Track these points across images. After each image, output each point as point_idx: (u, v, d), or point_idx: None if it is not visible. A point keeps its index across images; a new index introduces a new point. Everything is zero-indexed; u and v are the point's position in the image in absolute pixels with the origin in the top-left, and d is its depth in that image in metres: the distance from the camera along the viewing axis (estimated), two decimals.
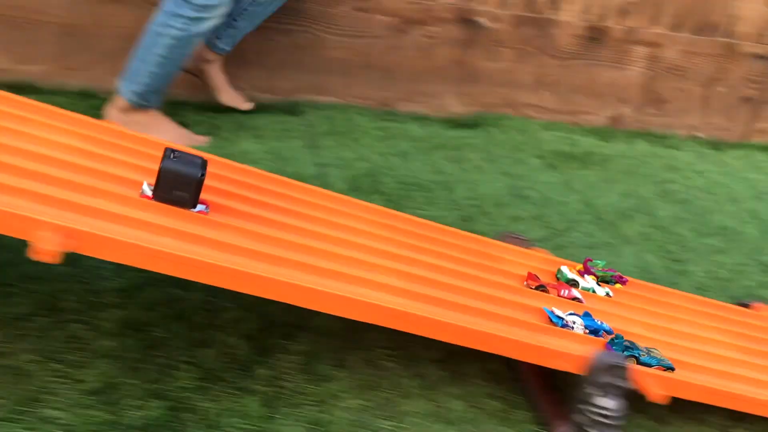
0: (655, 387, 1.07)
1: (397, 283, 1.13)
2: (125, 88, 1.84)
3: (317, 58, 2.23)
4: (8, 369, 1.07)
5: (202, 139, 1.92)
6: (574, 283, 1.32)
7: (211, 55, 2.00)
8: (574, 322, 1.15)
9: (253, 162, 1.62)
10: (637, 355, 1.12)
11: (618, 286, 1.41)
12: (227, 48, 2.01)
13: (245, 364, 1.16)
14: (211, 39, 1.97)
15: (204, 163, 1.02)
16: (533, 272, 1.33)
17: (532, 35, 2.34)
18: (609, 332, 1.18)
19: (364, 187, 1.78)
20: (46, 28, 2.03)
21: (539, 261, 1.42)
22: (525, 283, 1.30)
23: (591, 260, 1.42)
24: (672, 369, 1.15)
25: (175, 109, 2.06)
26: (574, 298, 1.28)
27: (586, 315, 1.19)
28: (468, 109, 2.37)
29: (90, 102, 2.02)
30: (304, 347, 1.22)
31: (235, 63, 2.14)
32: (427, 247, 1.29)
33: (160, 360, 1.13)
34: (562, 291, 1.27)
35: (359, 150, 1.99)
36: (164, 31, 1.77)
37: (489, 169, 2.02)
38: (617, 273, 1.42)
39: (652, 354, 1.15)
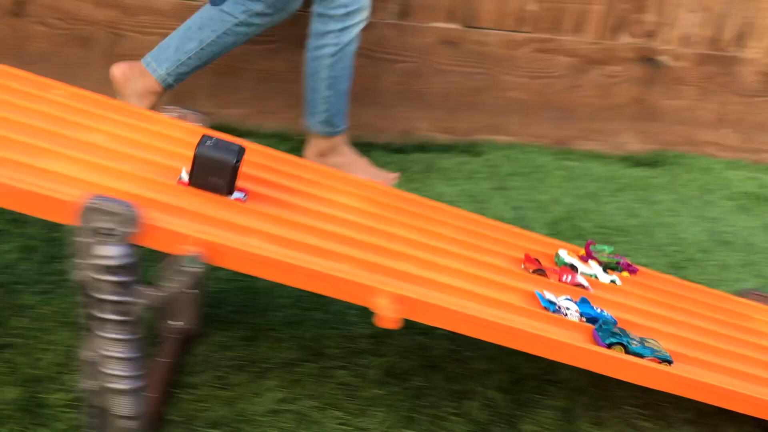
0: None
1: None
2: (311, 122, 1.92)
3: (496, 98, 2.27)
4: (296, 415, 1.14)
5: (393, 176, 1.99)
6: (572, 268, 1.21)
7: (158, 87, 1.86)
8: (568, 308, 1.04)
9: (450, 204, 1.67)
10: (625, 343, 1.01)
11: (625, 274, 1.29)
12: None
13: (509, 418, 1.19)
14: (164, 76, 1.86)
15: (240, 150, 0.98)
16: (531, 255, 1.21)
17: (715, 73, 2.30)
18: (610, 320, 1.07)
19: (564, 231, 1.79)
20: (246, 75, 2.16)
21: (537, 243, 1.30)
22: (522, 266, 1.18)
23: (594, 243, 1.30)
24: (669, 362, 1.04)
25: (364, 151, 2.14)
26: (578, 285, 1.15)
27: (583, 301, 1.08)
28: (646, 147, 2.35)
29: (287, 144, 2.13)
30: (558, 402, 1.24)
31: (419, 105, 2.21)
32: (670, 303, 1.28)
33: (430, 411, 1.18)
34: (564, 276, 1.16)
35: (548, 191, 2.00)
36: (320, 53, 1.83)
37: (683, 212, 1.99)
38: (625, 260, 1.30)
39: (647, 344, 1.04)
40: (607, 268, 1.26)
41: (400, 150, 2.17)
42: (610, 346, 0.99)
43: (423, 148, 2.20)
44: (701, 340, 1.16)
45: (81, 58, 2.09)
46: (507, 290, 1.07)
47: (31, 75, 1.19)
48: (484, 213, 1.84)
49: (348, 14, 1.81)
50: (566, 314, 1.04)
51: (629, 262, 1.30)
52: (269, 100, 2.20)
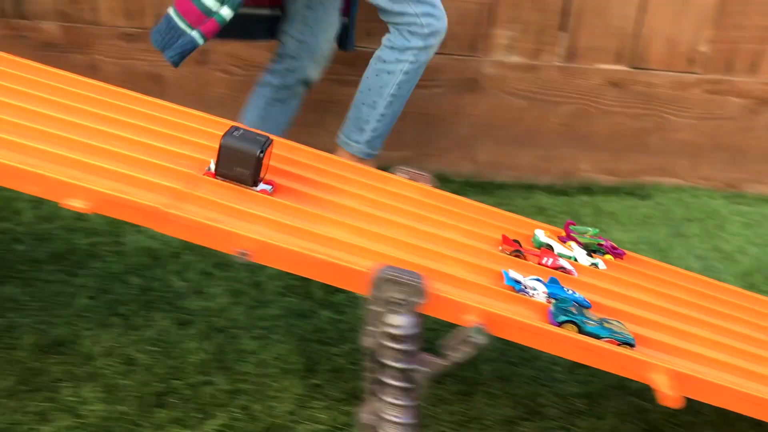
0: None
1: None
2: (353, 140, 1.82)
3: (663, 140, 2.21)
4: None
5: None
6: (548, 248, 1.14)
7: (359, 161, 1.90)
8: (534, 289, 0.98)
9: (633, 251, 1.63)
10: (578, 322, 0.93)
11: (608, 257, 1.20)
12: None
13: None
14: None
15: (266, 142, 0.98)
16: (508, 235, 1.13)
17: None
18: (582, 304, 0.99)
19: (758, 284, 1.71)
20: (409, 119, 2.19)
21: (515, 224, 1.23)
22: (500, 248, 1.10)
23: (573, 224, 1.22)
24: (630, 344, 0.94)
25: (526, 192, 2.13)
26: (560, 268, 1.08)
27: (553, 282, 1.02)
28: None
29: (449, 186, 2.15)
30: None
31: (583, 147, 2.18)
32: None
33: None
34: (544, 259, 1.08)
35: (730, 240, 1.93)
36: (396, 68, 1.76)
37: None
38: (609, 242, 1.21)
39: (608, 326, 0.95)
40: (588, 250, 1.19)
41: (564, 192, 2.15)
42: (561, 324, 0.92)
43: (587, 190, 2.17)
44: (679, 326, 1.05)
45: None
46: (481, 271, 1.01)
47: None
48: (668, 263, 1.80)
49: (433, 33, 1.73)
50: (532, 295, 0.98)
51: (614, 244, 1.21)
52: (431, 143, 2.23)
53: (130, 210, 0.87)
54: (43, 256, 1.59)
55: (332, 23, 1.83)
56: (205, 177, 0.97)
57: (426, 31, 1.72)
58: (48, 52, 2.14)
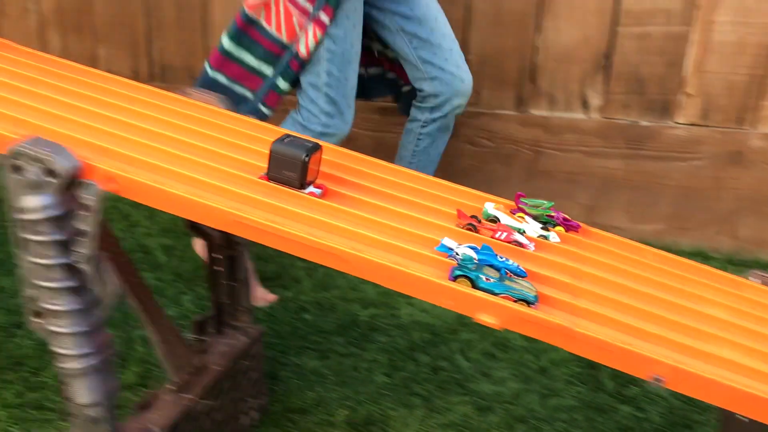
0: None
1: None
2: None
3: None
4: None
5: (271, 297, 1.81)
6: (494, 220, 1.09)
7: None
8: (465, 254, 0.95)
9: None
10: (472, 277, 0.90)
11: (560, 229, 1.11)
12: None
13: None
14: None
15: (312, 147, 1.01)
16: (462, 210, 1.09)
17: None
18: (516, 272, 0.96)
19: None
20: (665, 191, 2.11)
21: (470, 198, 1.15)
22: (457, 223, 1.06)
23: (524, 196, 1.16)
24: (528, 302, 0.90)
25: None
26: (514, 242, 1.03)
27: (485, 249, 0.97)
28: None
29: (711, 263, 2.03)
30: None
31: None
32: None
33: None
34: (498, 233, 1.04)
35: None
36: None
37: None
38: (561, 214, 1.13)
39: (509, 283, 0.91)
40: (538, 221, 1.12)
41: None
42: (455, 278, 0.91)
43: None
44: (628, 301, 0.97)
45: (503, 173, 2.20)
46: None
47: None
48: None
49: (433, 95, 1.81)
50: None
51: (566, 216, 1.15)
52: (688, 216, 2.12)
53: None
54: (330, 326, 1.66)
55: (447, 54, 1.81)
56: (260, 180, 1.03)
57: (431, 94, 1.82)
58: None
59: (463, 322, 1.66)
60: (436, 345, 1.59)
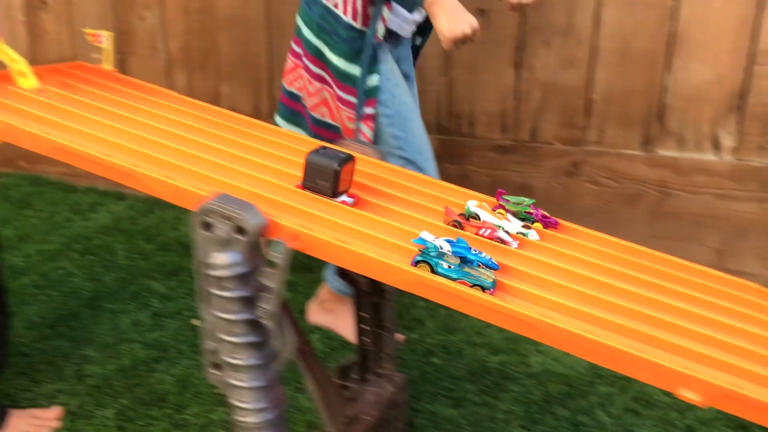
0: None
1: None
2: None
3: None
4: None
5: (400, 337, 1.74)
6: (475, 217, 1.12)
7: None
8: (441, 247, 0.98)
9: None
10: (432, 263, 0.95)
11: (538, 225, 1.14)
12: None
13: None
14: None
15: (345, 158, 1.05)
16: (450, 207, 1.12)
17: None
18: (488, 265, 0.98)
19: None
20: None
21: (455, 195, 1.20)
22: (444, 220, 1.10)
23: (505, 193, 1.20)
24: (483, 288, 0.93)
25: None
26: (497, 239, 1.07)
27: (460, 242, 1.00)
28: None
29: None
30: None
31: None
32: None
33: None
34: (482, 230, 1.08)
35: None
36: None
37: None
38: (540, 211, 1.17)
39: (467, 270, 0.95)
40: (517, 218, 1.15)
41: None
42: (416, 264, 0.95)
43: None
44: (605, 297, 0.95)
45: (627, 214, 2.13)
46: None
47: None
48: None
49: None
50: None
51: (545, 213, 1.17)
52: None
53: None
54: (459, 372, 1.64)
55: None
56: (296, 189, 1.07)
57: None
58: None
59: (599, 373, 1.61)
60: (573, 398, 1.55)
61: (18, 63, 1.22)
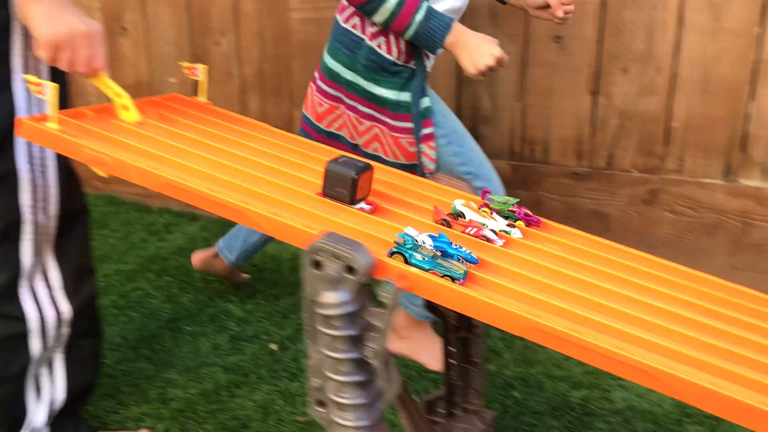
0: None
1: None
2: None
3: None
4: None
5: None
6: (460, 215, 1.15)
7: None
8: (423, 242, 1.01)
9: None
10: (406, 254, 0.97)
11: (520, 223, 1.18)
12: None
13: None
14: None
15: (362, 167, 1.09)
16: (439, 206, 1.17)
17: None
18: (468, 259, 1.01)
19: None
20: None
21: (445, 194, 1.25)
22: (433, 218, 1.15)
23: (490, 192, 1.23)
24: (452, 278, 0.95)
25: None
26: (483, 237, 1.10)
27: (441, 237, 1.03)
28: None
29: None
30: None
31: None
32: None
33: None
34: (468, 228, 1.12)
35: None
36: None
37: None
38: (523, 209, 1.20)
39: (439, 261, 0.97)
40: (501, 216, 1.18)
41: None
42: (391, 255, 0.98)
43: None
44: (586, 295, 0.98)
45: (706, 245, 2.08)
46: None
47: None
48: None
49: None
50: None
51: (528, 212, 1.21)
52: None
53: None
54: (541, 407, 1.61)
55: None
56: (316, 196, 1.11)
57: None
58: None
59: (687, 412, 1.56)
60: None
61: (122, 97, 1.26)
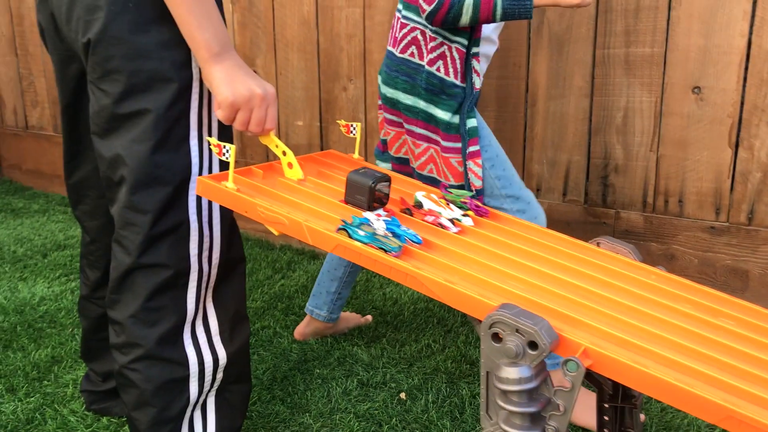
0: None
1: None
2: None
3: None
4: None
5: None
6: (419, 205, 1.28)
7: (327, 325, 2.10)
8: (372, 223, 1.14)
9: None
10: (350, 231, 1.11)
11: (470, 213, 1.30)
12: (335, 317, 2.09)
13: None
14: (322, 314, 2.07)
15: (379, 177, 1.20)
16: (404, 198, 1.31)
17: None
18: (413, 239, 1.14)
19: None
20: None
21: (412, 187, 1.39)
22: (398, 208, 1.28)
23: (447, 186, 1.40)
24: (386, 250, 1.09)
25: None
26: (439, 225, 1.23)
27: (393, 221, 1.17)
28: None
29: None
30: None
31: None
32: None
33: None
34: (427, 216, 1.25)
35: None
36: None
37: None
38: (474, 201, 1.34)
39: (377, 237, 1.11)
40: (453, 206, 1.31)
41: None
42: (338, 230, 1.11)
43: None
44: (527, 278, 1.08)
45: None
46: None
47: None
48: None
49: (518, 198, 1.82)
50: (375, 228, 1.15)
51: (479, 203, 1.34)
52: None
53: None
54: None
55: None
56: (339, 203, 1.23)
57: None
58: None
59: None
60: None
61: (288, 156, 1.31)
